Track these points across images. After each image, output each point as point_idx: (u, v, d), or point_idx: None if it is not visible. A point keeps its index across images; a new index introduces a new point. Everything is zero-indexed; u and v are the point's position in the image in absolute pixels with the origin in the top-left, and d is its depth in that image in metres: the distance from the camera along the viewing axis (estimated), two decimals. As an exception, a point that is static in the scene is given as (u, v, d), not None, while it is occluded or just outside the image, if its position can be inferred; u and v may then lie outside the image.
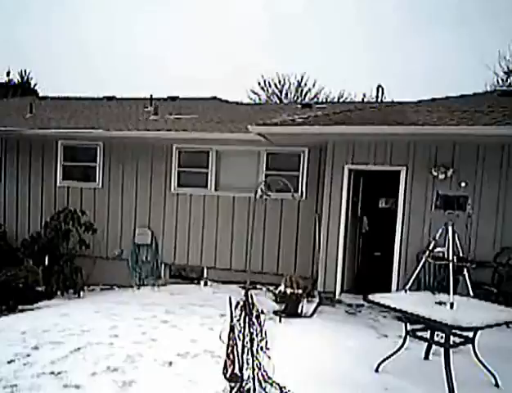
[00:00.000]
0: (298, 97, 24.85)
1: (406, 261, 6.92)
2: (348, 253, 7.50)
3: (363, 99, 22.05)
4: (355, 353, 4.68)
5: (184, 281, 9.28)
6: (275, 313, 6.22)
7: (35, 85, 19.89)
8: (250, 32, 35.27)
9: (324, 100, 22.63)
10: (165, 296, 7.54)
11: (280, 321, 5.87)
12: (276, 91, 25.21)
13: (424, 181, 6.77)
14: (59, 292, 8.06)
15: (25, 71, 19.37)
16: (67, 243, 8.75)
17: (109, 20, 36.38)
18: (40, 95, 16.24)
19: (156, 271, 9.24)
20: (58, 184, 9.75)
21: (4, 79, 16.87)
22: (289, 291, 6.00)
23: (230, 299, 3.57)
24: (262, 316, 3.65)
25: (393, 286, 6.97)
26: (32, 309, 7.05)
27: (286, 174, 8.50)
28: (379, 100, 12.44)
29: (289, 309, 5.98)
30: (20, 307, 7.25)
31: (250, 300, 3.46)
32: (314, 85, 25.24)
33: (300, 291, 6.08)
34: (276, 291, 6.18)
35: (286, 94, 25.71)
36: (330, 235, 7.25)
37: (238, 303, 3.50)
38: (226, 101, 12.75)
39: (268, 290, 7.65)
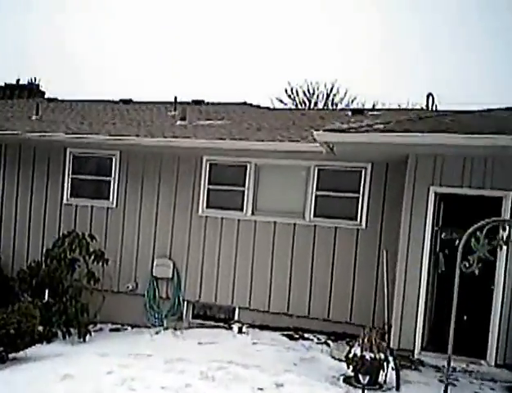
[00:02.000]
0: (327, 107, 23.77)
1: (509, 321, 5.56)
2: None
3: (409, 108, 20.77)
4: None
5: (210, 323, 8.05)
6: (347, 382, 4.95)
7: (41, 87, 19.09)
8: (273, 36, 34.53)
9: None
10: (193, 347, 6.33)
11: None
12: (305, 99, 24.14)
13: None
14: (60, 333, 6.91)
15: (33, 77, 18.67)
16: (72, 275, 7.62)
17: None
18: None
19: (177, 310, 8.03)
20: (65, 202, 8.70)
21: (9, 80, 16.14)
22: (368, 355, 4.71)
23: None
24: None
25: (491, 353, 5.63)
26: (26, 361, 5.90)
27: (342, 196, 7.29)
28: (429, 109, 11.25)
29: (369, 378, 4.67)
30: (11, 356, 6.10)
31: None
32: (345, 94, 24.15)
33: (382, 356, 4.78)
34: (350, 355, 4.89)
35: (316, 104, 24.63)
36: (409, 276, 5.97)
37: None
38: (258, 106, 11.65)
39: (327, 344, 6.39)
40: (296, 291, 7.55)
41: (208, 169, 7.99)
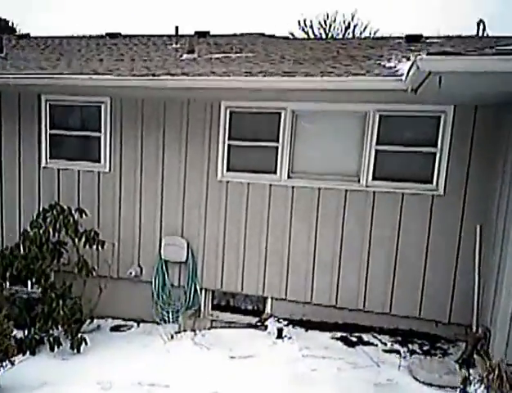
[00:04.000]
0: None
1: None
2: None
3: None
4: None
5: (236, 317, 6.66)
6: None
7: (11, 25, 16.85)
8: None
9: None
10: (224, 365, 4.91)
11: None
12: (322, 33, 21.80)
13: None
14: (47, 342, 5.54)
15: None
16: (58, 262, 6.14)
17: None
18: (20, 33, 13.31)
19: (194, 302, 6.62)
20: (43, 165, 7.06)
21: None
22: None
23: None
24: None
25: None
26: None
27: (411, 151, 5.66)
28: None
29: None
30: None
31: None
32: (366, 27, 21.85)
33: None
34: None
35: (333, 37, 22.36)
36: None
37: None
38: (280, 37, 9.71)
39: (397, 352, 4.98)
40: (347, 277, 6.09)
41: (228, 119, 6.30)
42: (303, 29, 22.03)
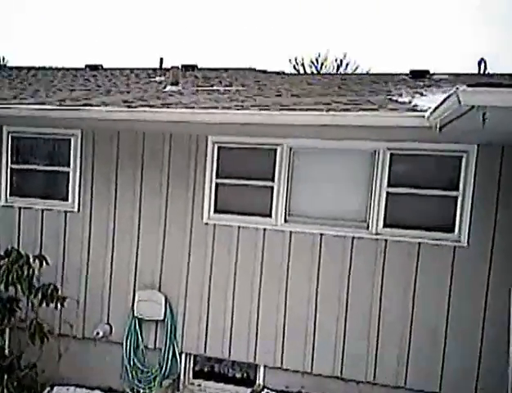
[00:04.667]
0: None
1: None
2: None
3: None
4: None
5: (220, 386, 5.69)
6: None
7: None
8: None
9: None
10: None
11: None
12: (314, 71, 21.66)
13: None
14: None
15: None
16: (10, 320, 5.17)
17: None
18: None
19: (172, 368, 5.64)
20: (2, 203, 6.21)
21: None
22: None
23: None
24: None
25: None
26: None
27: (428, 195, 4.94)
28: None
29: None
30: None
31: None
32: (357, 68, 21.85)
33: None
34: None
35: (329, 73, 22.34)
36: None
37: None
38: (266, 72, 9.15)
39: None
40: (353, 342, 5.22)
41: (216, 155, 5.55)
42: (295, 67, 21.88)
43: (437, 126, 3.88)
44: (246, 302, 5.50)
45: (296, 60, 21.87)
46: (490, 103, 2.91)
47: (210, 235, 5.59)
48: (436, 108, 3.61)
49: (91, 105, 5.25)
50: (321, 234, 5.29)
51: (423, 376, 5.03)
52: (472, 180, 4.85)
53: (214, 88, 6.86)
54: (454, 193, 4.92)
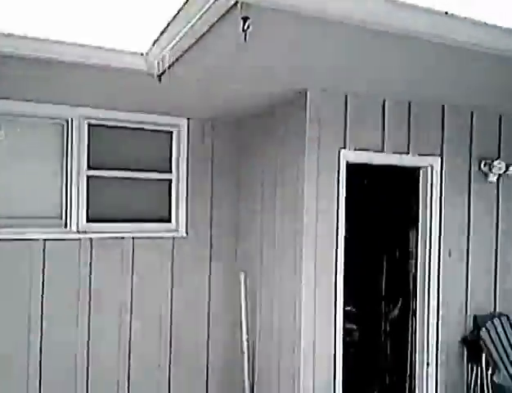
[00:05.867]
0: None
1: (438, 345, 3.79)
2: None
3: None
4: None
5: None
6: None
7: None
8: None
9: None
10: None
11: None
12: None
13: None
14: None
15: None
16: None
17: None
18: None
19: None
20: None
21: None
22: None
23: None
24: None
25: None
26: None
27: (144, 179, 4.26)
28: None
29: None
30: None
31: None
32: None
33: None
34: None
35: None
36: None
37: None
38: None
39: None
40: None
41: None
42: None
43: (158, 70, 3.05)
44: None
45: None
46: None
47: None
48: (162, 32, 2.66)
49: None
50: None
51: None
52: (185, 160, 4.32)
53: None
54: (168, 176, 4.28)
